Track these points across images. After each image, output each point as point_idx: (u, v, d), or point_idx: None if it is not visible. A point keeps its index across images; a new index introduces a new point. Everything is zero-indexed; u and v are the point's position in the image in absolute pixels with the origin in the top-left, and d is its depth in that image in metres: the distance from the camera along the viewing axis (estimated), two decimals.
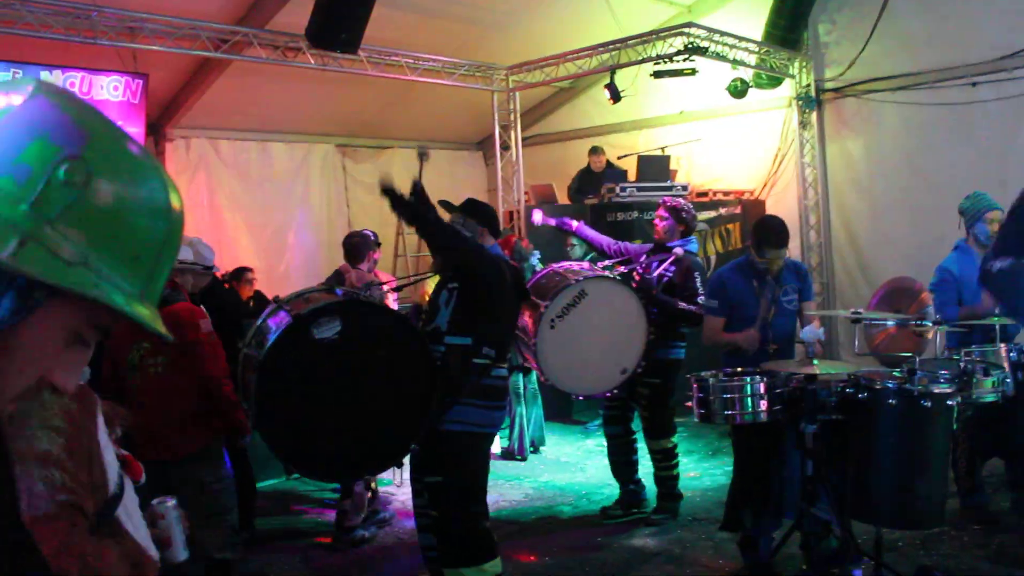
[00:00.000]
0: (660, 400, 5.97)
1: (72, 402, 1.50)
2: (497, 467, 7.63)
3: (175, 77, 9.17)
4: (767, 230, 5.00)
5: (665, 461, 6.06)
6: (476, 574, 4.21)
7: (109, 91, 8.27)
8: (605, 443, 7.89)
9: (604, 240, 6.46)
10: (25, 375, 0.99)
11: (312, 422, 4.07)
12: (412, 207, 4.25)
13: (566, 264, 6.03)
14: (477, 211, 4.57)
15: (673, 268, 5.85)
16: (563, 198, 10.43)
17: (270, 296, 8.19)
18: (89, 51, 7.58)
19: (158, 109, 9.38)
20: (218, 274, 8.35)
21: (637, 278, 5.99)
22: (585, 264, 6.13)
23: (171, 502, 1.95)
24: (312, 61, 8.46)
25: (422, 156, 4.71)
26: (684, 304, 5.74)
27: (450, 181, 12.53)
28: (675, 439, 6.09)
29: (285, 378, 4.02)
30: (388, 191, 4.16)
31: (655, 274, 5.89)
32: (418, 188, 4.27)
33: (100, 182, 0.95)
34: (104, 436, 1.62)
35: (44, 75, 7.78)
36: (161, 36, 7.64)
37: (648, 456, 6.13)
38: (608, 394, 5.91)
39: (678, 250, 5.87)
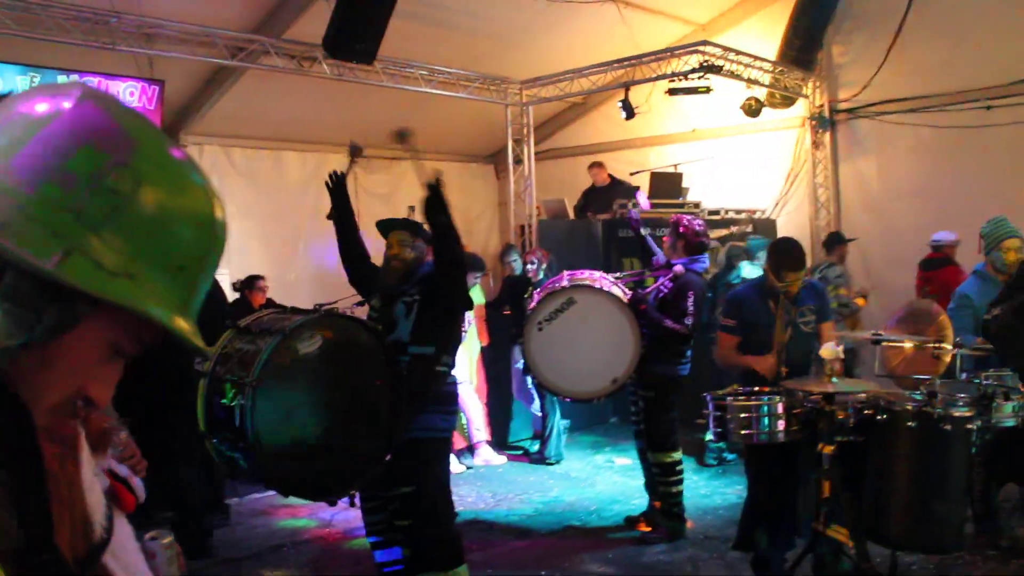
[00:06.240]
0: (655, 414, 5.91)
1: (56, 446, 1.44)
2: (506, 480, 7.62)
3: (191, 84, 9.21)
4: (785, 253, 4.96)
5: (664, 476, 5.97)
6: None
7: (125, 96, 8.29)
8: (615, 459, 7.95)
9: (658, 253, 6.44)
10: (62, 388, 0.96)
11: (298, 441, 4.05)
12: (449, 218, 4.30)
13: (575, 272, 6.13)
14: (423, 232, 4.68)
15: (670, 285, 5.80)
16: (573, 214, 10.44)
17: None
18: (106, 56, 7.61)
19: (173, 115, 9.40)
20: (228, 281, 8.36)
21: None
22: (596, 273, 6.14)
23: (165, 539, 1.87)
24: (328, 71, 8.48)
25: (353, 151, 4.94)
26: (671, 322, 5.66)
27: (461, 194, 12.53)
28: (677, 455, 6.00)
29: (275, 396, 3.99)
30: (435, 189, 4.21)
31: (651, 289, 5.88)
32: (439, 184, 4.27)
33: (147, 191, 0.92)
34: (89, 474, 1.54)
35: (61, 79, 7.81)
36: (178, 43, 7.66)
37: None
38: (596, 400, 6.18)
39: (678, 268, 5.79)
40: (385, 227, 4.78)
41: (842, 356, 4.45)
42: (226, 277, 8.27)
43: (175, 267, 0.95)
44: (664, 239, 6.12)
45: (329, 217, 4.95)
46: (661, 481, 5.99)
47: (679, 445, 6.03)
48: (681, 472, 6.04)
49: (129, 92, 8.33)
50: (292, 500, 6.99)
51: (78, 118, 0.92)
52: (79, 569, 1.38)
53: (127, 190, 0.91)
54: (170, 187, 0.95)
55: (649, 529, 6.07)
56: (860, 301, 8.30)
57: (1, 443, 0.89)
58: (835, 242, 8.74)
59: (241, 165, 10.32)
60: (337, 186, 4.91)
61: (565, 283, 5.79)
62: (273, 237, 10.44)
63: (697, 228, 5.92)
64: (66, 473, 1.42)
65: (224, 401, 3.97)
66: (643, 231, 6.39)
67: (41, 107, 0.93)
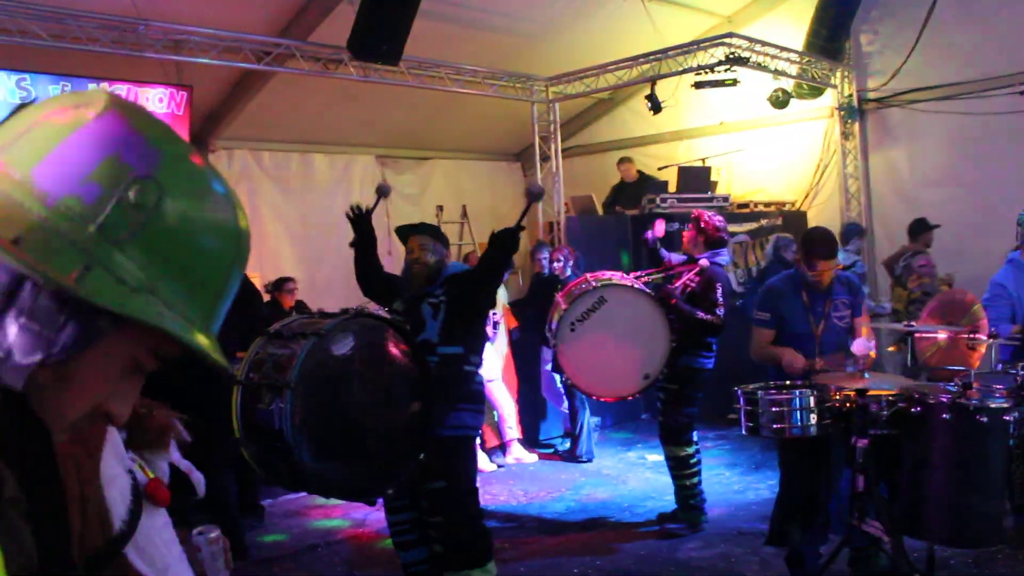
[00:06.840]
0: (674, 406, 5.96)
1: (76, 446, 1.38)
2: (538, 478, 7.62)
3: (219, 89, 9.29)
4: (815, 242, 4.90)
5: (679, 469, 6.02)
6: (482, 575, 4.40)
7: (154, 103, 8.38)
8: (647, 456, 7.91)
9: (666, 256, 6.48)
10: (81, 405, 0.93)
11: (335, 441, 4.06)
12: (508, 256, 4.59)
13: (600, 272, 6.18)
14: (441, 236, 4.86)
15: (697, 279, 5.87)
16: (602, 210, 10.42)
17: (312, 306, 8.28)
18: (135, 64, 7.70)
19: (201, 121, 9.49)
20: (259, 283, 8.42)
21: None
22: (618, 273, 6.22)
23: (212, 534, 1.83)
24: (354, 72, 8.52)
25: (381, 192, 5.22)
26: (703, 314, 5.74)
27: (489, 192, 12.58)
28: (691, 449, 6.01)
29: (312, 398, 3.99)
30: (515, 235, 4.47)
31: (679, 284, 5.90)
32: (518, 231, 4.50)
33: (170, 204, 0.89)
34: (114, 468, 1.51)
35: (92, 87, 7.90)
36: (205, 49, 7.72)
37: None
38: (631, 397, 6.23)
39: (703, 261, 5.89)
40: (404, 232, 4.83)
41: (875, 350, 4.39)
42: (257, 279, 8.34)
43: (198, 282, 0.92)
44: (685, 234, 6.16)
45: (352, 245, 5.04)
46: (676, 474, 6.04)
47: (694, 441, 6.03)
48: (696, 464, 6.05)
49: (158, 99, 8.42)
50: (326, 501, 7.06)
51: (101, 128, 0.89)
52: (95, 562, 1.38)
53: (150, 203, 0.88)
54: (194, 199, 0.92)
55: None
56: (945, 288, 8.18)
57: (20, 465, 0.88)
58: (920, 229, 8.50)
59: (270, 168, 10.41)
60: (360, 219, 4.99)
61: (593, 283, 5.84)
62: (303, 239, 10.52)
63: (717, 223, 6.02)
64: (83, 472, 1.41)
65: (261, 406, 3.98)
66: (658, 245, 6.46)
67: (64, 116, 0.90)
